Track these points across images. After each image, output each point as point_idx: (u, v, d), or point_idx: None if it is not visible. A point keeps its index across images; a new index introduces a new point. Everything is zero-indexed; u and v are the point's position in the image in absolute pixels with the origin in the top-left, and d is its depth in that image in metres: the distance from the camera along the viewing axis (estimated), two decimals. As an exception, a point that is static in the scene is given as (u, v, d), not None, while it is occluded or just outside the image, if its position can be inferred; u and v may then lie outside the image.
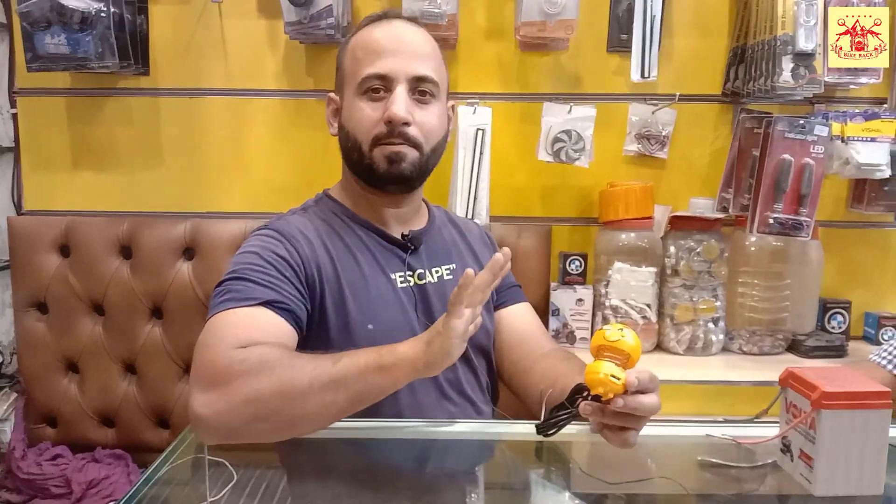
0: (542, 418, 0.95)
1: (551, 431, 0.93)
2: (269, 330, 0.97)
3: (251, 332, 0.94)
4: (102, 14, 1.58)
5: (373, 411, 0.93)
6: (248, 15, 1.78)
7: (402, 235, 1.17)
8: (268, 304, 0.99)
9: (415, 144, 1.10)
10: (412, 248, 1.17)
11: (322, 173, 1.75)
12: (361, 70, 1.09)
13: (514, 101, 1.81)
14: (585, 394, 0.87)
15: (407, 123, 1.08)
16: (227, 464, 0.87)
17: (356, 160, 1.12)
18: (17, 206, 1.85)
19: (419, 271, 1.16)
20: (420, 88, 1.10)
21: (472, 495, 0.90)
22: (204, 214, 1.81)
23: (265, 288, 1.01)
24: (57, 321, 1.72)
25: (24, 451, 1.71)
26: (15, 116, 1.83)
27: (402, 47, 1.10)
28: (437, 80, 1.12)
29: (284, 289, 1.03)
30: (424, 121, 1.10)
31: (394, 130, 1.08)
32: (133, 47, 1.68)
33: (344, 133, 1.14)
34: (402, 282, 1.14)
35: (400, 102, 1.07)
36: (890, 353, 1.51)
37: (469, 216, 1.67)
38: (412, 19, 1.15)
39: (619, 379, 0.84)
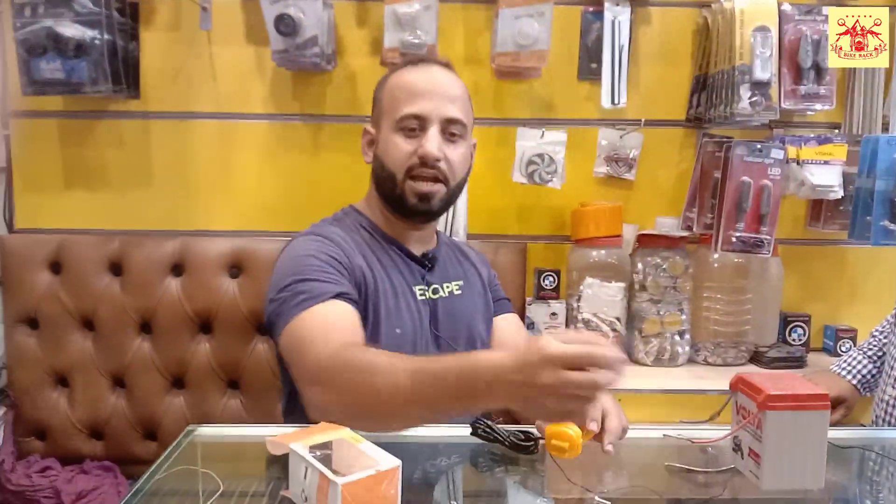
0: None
1: (479, 434, 1.06)
2: (349, 325, 1.07)
3: (339, 329, 1.05)
4: (97, 42, 1.63)
5: None
6: (237, 42, 1.85)
7: (423, 254, 1.29)
8: (339, 296, 1.09)
9: (444, 179, 1.21)
10: (430, 266, 1.29)
11: (307, 194, 1.82)
12: (399, 109, 1.20)
13: (491, 125, 1.89)
14: (531, 443, 1.01)
15: (437, 160, 1.19)
16: (213, 475, 0.92)
17: (388, 189, 1.23)
18: (9, 225, 1.88)
19: (434, 286, 1.28)
20: (451, 130, 1.21)
21: (449, 500, 0.94)
22: (192, 233, 1.86)
23: (331, 284, 1.11)
24: (47, 336, 1.76)
25: (13, 464, 1.73)
26: (7, 138, 1.86)
27: (436, 90, 1.21)
28: (466, 122, 1.24)
29: (346, 283, 1.14)
30: (453, 158, 1.22)
31: (426, 165, 1.19)
32: (125, 72, 1.73)
33: (379, 163, 1.24)
34: (420, 294, 1.26)
35: (433, 141, 1.19)
36: (849, 364, 1.61)
37: (448, 234, 1.74)
38: (446, 65, 1.26)
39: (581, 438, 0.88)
